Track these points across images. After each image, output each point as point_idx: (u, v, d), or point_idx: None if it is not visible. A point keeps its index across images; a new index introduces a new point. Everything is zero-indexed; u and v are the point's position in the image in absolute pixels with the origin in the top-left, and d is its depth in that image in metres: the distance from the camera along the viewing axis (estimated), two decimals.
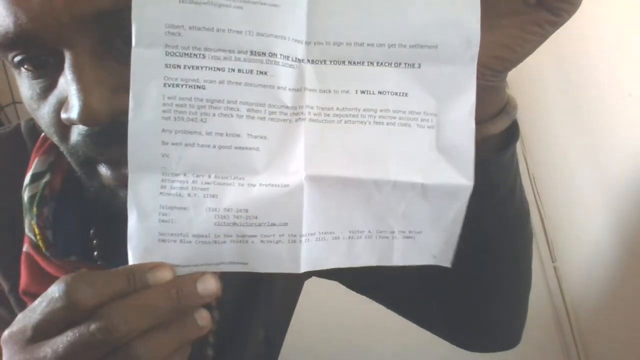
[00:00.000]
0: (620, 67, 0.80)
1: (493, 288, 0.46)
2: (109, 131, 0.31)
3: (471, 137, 0.31)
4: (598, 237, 0.90)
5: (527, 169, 1.09)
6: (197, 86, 0.28)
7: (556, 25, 0.32)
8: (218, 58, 0.28)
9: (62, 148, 0.36)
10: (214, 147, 0.28)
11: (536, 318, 1.02)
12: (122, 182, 0.33)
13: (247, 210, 0.29)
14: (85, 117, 0.30)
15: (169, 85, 0.27)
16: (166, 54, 0.27)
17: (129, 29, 0.27)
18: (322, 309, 0.93)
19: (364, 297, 0.54)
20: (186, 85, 0.28)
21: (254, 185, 0.29)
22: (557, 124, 1.00)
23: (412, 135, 0.31)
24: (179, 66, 0.27)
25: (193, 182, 0.29)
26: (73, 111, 0.30)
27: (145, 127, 0.27)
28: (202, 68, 0.28)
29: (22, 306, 0.42)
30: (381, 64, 0.30)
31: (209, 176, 0.29)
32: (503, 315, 0.48)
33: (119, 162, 0.33)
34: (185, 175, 0.28)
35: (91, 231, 0.43)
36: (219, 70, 0.28)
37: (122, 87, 0.30)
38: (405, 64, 0.30)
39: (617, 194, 0.83)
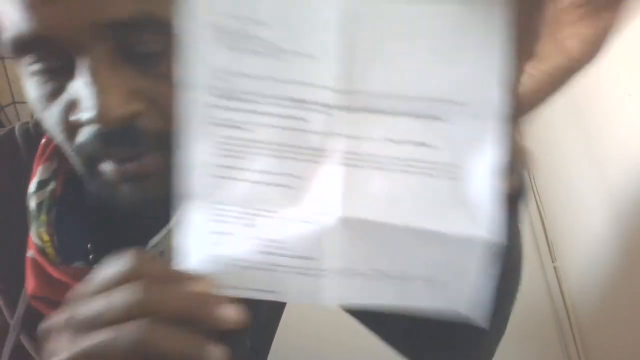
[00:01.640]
0: (620, 67, 0.80)
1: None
2: (118, 133, 0.32)
3: (492, 191, 0.31)
4: (598, 237, 0.90)
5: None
6: (242, 128, 0.31)
7: None
8: (259, 103, 0.31)
9: (66, 147, 0.36)
10: (256, 182, 0.32)
11: (536, 318, 1.02)
12: (125, 176, 0.35)
13: (281, 242, 0.32)
14: (102, 117, 0.31)
15: (216, 125, 0.31)
16: (213, 95, 0.30)
17: (145, 37, 0.29)
18: (312, 313, 0.93)
19: None
20: (233, 126, 0.31)
21: (290, 220, 0.32)
22: (557, 124, 1.00)
23: (434, 185, 0.32)
24: (224, 108, 0.31)
25: (238, 212, 0.32)
26: (89, 111, 0.31)
27: (198, 163, 0.31)
28: (245, 112, 0.31)
29: (12, 307, 0.43)
30: (409, 115, 0.31)
31: (251, 208, 0.32)
32: (469, 354, 0.48)
33: (124, 160, 0.34)
34: (230, 205, 0.32)
35: (90, 235, 0.43)
36: (261, 114, 0.31)
37: (136, 91, 0.32)
38: (433, 117, 0.31)
39: (617, 193, 0.83)
